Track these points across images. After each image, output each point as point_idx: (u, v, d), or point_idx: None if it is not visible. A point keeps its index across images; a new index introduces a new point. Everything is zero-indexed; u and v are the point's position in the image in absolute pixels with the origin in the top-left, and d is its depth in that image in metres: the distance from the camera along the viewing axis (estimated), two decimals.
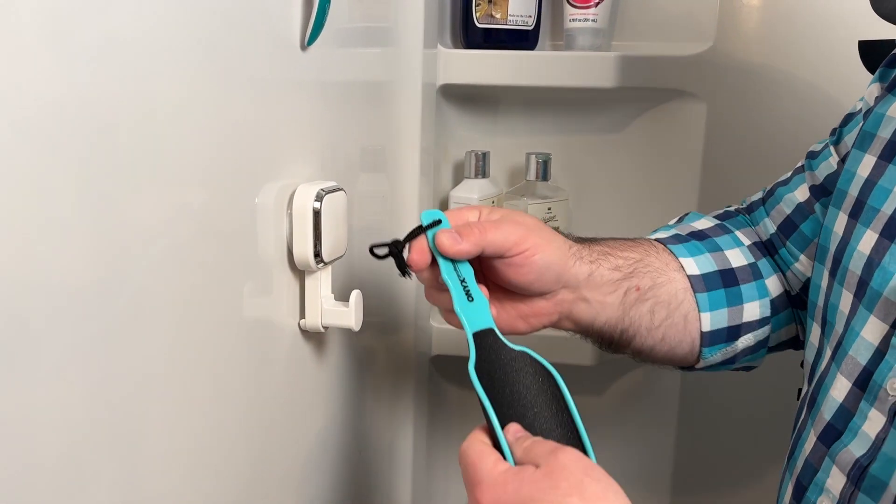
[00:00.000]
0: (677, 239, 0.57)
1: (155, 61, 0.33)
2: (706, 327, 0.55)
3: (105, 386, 0.32)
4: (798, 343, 0.59)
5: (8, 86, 0.25)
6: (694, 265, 0.55)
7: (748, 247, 0.58)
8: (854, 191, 0.48)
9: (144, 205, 0.33)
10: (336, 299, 0.50)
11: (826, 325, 0.49)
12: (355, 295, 0.49)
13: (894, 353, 0.41)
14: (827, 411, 0.46)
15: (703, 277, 0.55)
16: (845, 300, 0.47)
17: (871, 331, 0.43)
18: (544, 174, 0.79)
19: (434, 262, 0.48)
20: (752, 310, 0.56)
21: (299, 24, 0.45)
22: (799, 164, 0.59)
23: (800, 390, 0.54)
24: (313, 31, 0.45)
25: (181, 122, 0.36)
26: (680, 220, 0.61)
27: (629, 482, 0.96)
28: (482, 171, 0.80)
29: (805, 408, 0.49)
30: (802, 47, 0.74)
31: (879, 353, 0.43)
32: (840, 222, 0.49)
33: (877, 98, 0.52)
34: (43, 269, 0.28)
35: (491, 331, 0.46)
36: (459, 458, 0.42)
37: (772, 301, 0.57)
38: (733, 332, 0.56)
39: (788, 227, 0.56)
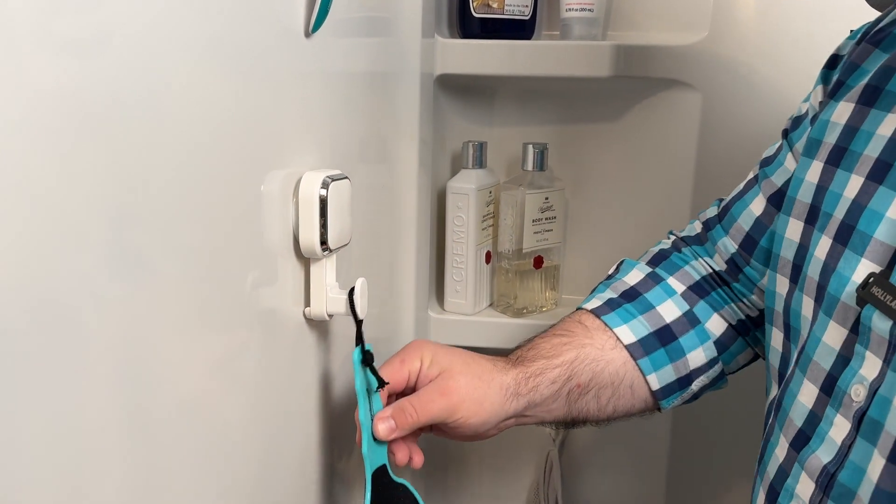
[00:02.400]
0: (610, 306, 0.59)
1: (161, 51, 0.33)
2: (655, 386, 0.57)
3: (115, 372, 0.32)
4: (759, 357, 0.61)
5: (9, 75, 0.25)
6: (628, 332, 0.57)
7: (681, 294, 0.59)
8: (806, 197, 0.49)
9: (150, 194, 0.33)
10: (341, 288, 0.50)
11: (791, 331, 0.49)
12: (361, 283, 0.49)
13: (858, 360, 0.41)
14: (797, 417, 0.46)
15: (641, 343, 0.57)
16: (807, 306, 0.47)
17: (832, 336, 0.44)
18: (541, 164, 0.79)
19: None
20: (697, 357, 0.58)
21: (303, 12, 0.45)
22: (751, 176, 0.59)
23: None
24: (318, 18, 0.45)
25: (187, 111, 0.36)
26: (617, 270, 0.62)
27: (625, 472, 0.97)
28: (479, 161, 0.80)
29: (773, 412, 0.50)
30: (795, 37, 0.75)
31: (843, 359, 0.43)
32: (794, 229, 0.49)
33: (821, 103, 0.52)
34: (48, 261, 0.28)
35: (383, 466, 0.52)
36: None
37: (715, 342, 0.58)
38: (684, 381, 0.58)
39: (749, 243, 0.57)
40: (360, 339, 0.50)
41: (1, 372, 0.26)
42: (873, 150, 0.44)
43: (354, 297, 0.48)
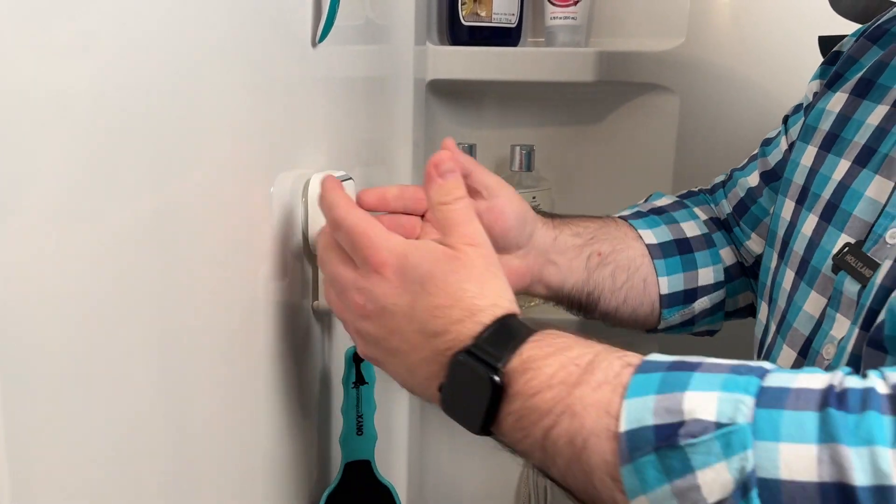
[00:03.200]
0: (637, 215, 0.63)
1: (179, 59, 0.35)
2: (664, 290, 0.60)
3: (135, 362, 0.34)
4: (754, 312, 0.65)
5: (28, 80, 0.26)
6: (651, 235, 0.61)
7: (704, 221, 0.63)
8: (799, 179, 0.53)
9: (168, 195, 0.35)
10: None
11: (771, 303, 0.54)
12: None
13: (829, 322, 0.45)
14: None
15: (660, 246, 0.60)
16: (788, 279, 0.51)
17: (812, 304, 0.48)
18: (528, 165, 0.83)
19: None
20: (707, 275, 0.61)
21: (310, 22, 0.48)
22: (755, 152, 0.64)
23: None
24: (325, 29, 0.48)
25: (200, 117, 0.38)
26: (646, 200, 0.67)
27: None
28: None
29: None
30: (768, 42, 0.79)
31: (818, 324, 0.47)
32: (787, 208, 0.54)
33: (816, 94, 0.56)
34: (71, 257, 0.29)
35: (367, 462, 0.54)
36: (337, 224, 0.43)
37: (725, 269, 0.62)
38: (690, 295, 0.61)
39: (741, 208, 0.62)
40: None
41: (48, 371, 0.28)
42: (862, 137, 0.49)
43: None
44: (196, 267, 0.38)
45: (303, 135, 0.50)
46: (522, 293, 0.60)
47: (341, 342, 0.58)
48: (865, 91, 0.51)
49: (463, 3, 0.80)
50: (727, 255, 0.63)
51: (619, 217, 0.63)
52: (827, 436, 0.30)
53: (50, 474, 0.27)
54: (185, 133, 0.36)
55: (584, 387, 0.35)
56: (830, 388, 0.32)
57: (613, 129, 0.87)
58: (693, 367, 0.34)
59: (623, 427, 0.33)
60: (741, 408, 0.31)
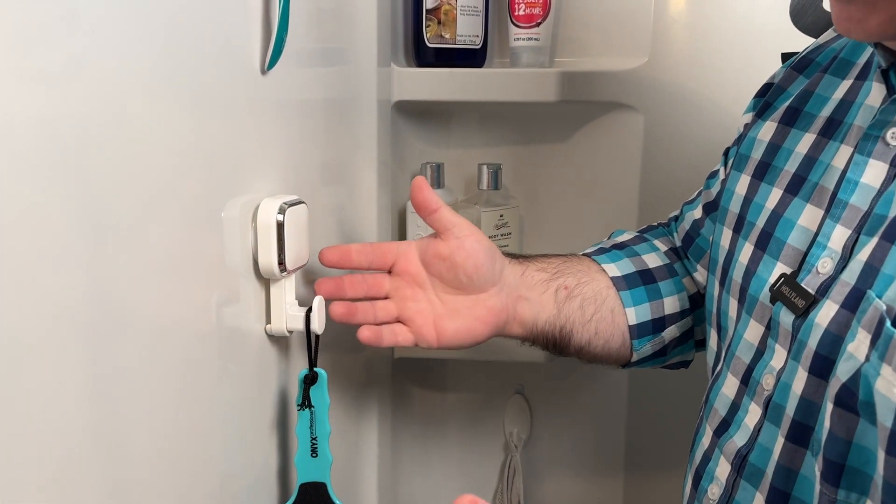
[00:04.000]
0: (600, 251, 0.64)
1: (126, 86, 0.36)
2: (632, 321, 0.61)
3: (89, 388, 0.35)
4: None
5: None
6: (615, 268, 0.62)
7: (665, 252, 0.65)
8: (735, 208, 0.54)
9: (119, 221, 0.36)
10: (300, 305, 0.53)
11: (721, 331, 0.54)
12: (318, 301, 0.53)
13: (769, 353, 0.46)
14: (721, 407, 0.50)
15: (624, 278, 0.62)
16: (732, 307, 0.52)
17: (752, 333, 0.49)
18: (495, 183, 0.84)
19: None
20: (672, 303, 0.62)
21: (259, 49, 0.49)
22: (702, 187, 0.66)
23: None
24: (272, 58, 0.49)
25: (149, 143, 0.39)
26: (609, 237, 0.69)
27: (585, 477, 1.00)
28: (437, 182, 0.84)
29: (703, 405, 0.54)
30: (730, 59, 0.81)
31: (759, 353, 0.48)
32: (725, 237, 0.55)
33: (747, 125, 0.58)
34: (27, 277, 0.31)
35: (323, 485, 0.55)
36: None
37: (690, 297, 0.63)
38: (658, 324, 0.62)
39: (687, 241, 0.64)
40: (311, 358, 0.53)
41: None
42: (791, 165, 0.50)
43: (312, 315, 0.52)
44: (146, 292, 0.39)
45: (254, 159, 0.51)
46: (499, 335, 0.61)
47: (298, 365, 0.59)
48: (793, 119, 0.52)
49: (427, 25, 0.81)
50: (689, 283, 0.64)
51: (582, 254, 0.64)
52: None
53: None
54: (129, 160, 0.37)
55: None
56: None
57: (580, 146, 0.88)
58: None
59: None
60: None
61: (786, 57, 0.85)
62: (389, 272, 0.59)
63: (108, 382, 0.36)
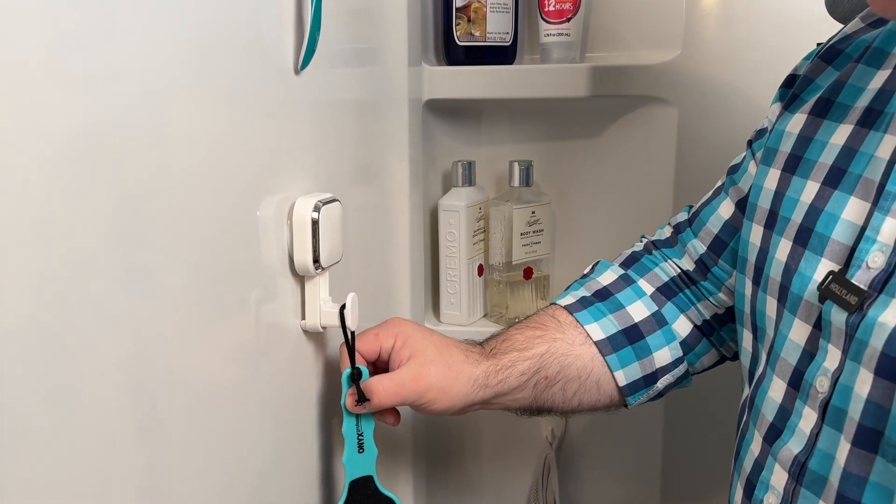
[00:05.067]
0: (582, 303, 0.62)
1: (160, 88, 0.37)
2: (622, 382, 0.60)
3: (128, 386, 0.36)
4: (726, 359, 0.64)
5: (21, 115, 0.28)
6: (598, 330, 0.60)
7: (651, 296, 0.62)
8: (765, 203, 0.52)
9: (155, 220, 0.37)
10: (334, 301, 0.54)
11: (757, 331, 0.52)
12: (351, 297, 0.54)
13: (822, 354, 0.44)
14: (768, 412, 0.49)
15: (609, 340, 0.60)
16: (771, 306, 0.50)
17: (798, 333, 0.47)
18: (527, 180, 0.84)
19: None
20: (663, 356, 0.61)
21: (292, 50, 0.50)
22: (718, 184, 0.63)
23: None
24: (305, 58, 0.50)
25: (185, 144, 0.40)
26: (592, 270, 0.66)
27: (622, 475, 0.99)
28: (468, 180, 0.84)
29: (746, 410, 0.53)
30: (765, 50, 0.79)
31: (808, 354, 0.46)
32: (756, 233, 0.53)
33: (777, 116, 0.56)
34: (68, 278, 0.31)
35: (370, 477, 0.56)
36: None
37: (681, 343, 0.61)
38: (650, 379, 0.61)
39: (718, 245, 0.60)
40: (351, 357, 0.54)
41: (19, 381, 0.30)
42: (827, 157, 0.48)
43: (346, 311, 0.52)
44: (186, 288, 0.40)
45: (288, 159, 0.52)
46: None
47: (332, 360, 0.59)
48: (825, 111, 0.50)
49: (457, 24, 0.81)
50: (682, 326, 0.61)
51: (564, 306, 0.62)
52: None
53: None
54: (167, 162, 0.38)
55: None
56: None
57: (612, 142, 0.87)
58: None
59: None
60: None
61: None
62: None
63: (146, 380, 0.37)
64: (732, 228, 0.59)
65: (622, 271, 0.64)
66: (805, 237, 0.47)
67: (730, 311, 0.61)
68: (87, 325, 0.33)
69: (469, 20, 0.81)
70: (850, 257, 0.44)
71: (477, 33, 0.81)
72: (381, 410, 0.57)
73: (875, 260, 0.42)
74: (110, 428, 0.35)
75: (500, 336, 0.61)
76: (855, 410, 0.41)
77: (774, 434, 0.48)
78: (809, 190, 0.48)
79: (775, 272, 0.49)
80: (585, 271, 0.66)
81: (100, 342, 0.34)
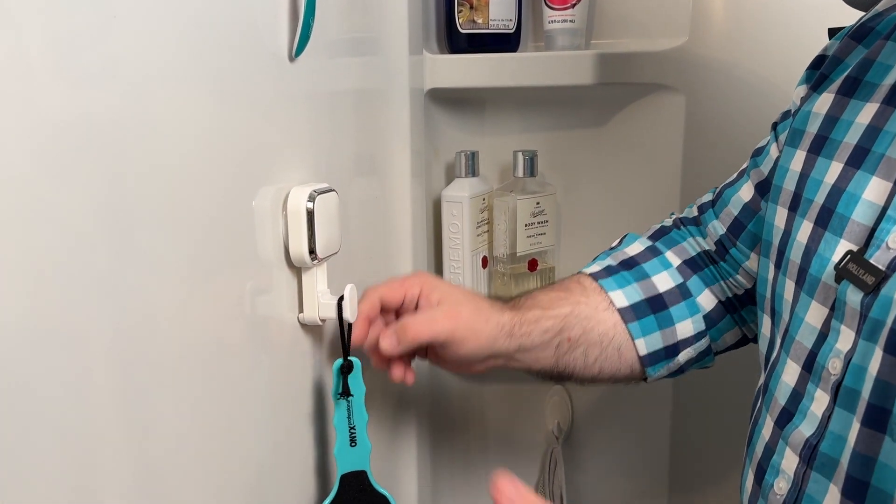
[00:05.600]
0: (608, 272, 0.62)
1: (155, 80, 0.36)
2: (643, 351, 0.59)
3: (120, 380, 0.35)
4: (748, 340, 0.63)
5: (17, 107, 0.28)
6: (622, 297, 0.60)
7: (677, 268, 0.61)
8: (790, 185, 0.51)
9: (151, 213, 0.37)
10: (332, 294, 0.53)
11: (775, 315, 0.52)
12: (349, 288, 0.53)
13: (834, 335, 0.43)
14: (781, 396, 0.48)
15: (633, 308, 0.59)
16: (789, 289, 0.49)
17: (814, 315, 0.46)
18: (531, 170, 0.82)
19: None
20: (685, 328, 0.60)
21: (286, 37, 0.49)
22: (744, 166, 0.62)
23: None
24: (299, 44, 0.49)
25: (178, 133, 0.39)
26: (620, 242, 0.65)
27: (629, 469, 0.98)
28: (472, 170, 0.83)
29: (760, 395, 0.52)
30: (773, 36, 0.77)
31: (823, 336, 0.45)
32: (780, 216, 0.52)
33: (802, 98, 0.55)
34: (64, 266, 0.31)
35: (363, 472, 0.56)
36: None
37: (705, 316, 0.60)
38: (671, 350, 0.60)
39: (737, 227, 0.60)
40: (345, 347, 0.53)
41: (9, 375, 0.29)
42: (852, 137, 0.47)
43: (343, 303, 0.52)
44: (178, 282, 0.39)
45: (285, 149, 0.51)
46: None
47: (331, 354, 0.59)
48: (852, 90, 0.49)
49: (459, 11, 0.80)
50: (706, 300, 0.61)
51: (590, 273, 0.62)
52: None
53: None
54: (162, 151, 0.37)
55: None
56: None
57: (618, 131, 0.86)
58: None
59: None
60: None
61: (832, 32, 0.81)
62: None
63: (139, 374, 0.36)
64: (751, 211, 0.59)
65: (650, 243, 0.63)
66: (826, 218, 0.46)
67: (749, 293, 0.60)
68: (79, 317, 0.32)
69: (471, 7, 0.80)
70: (870, 237, 0.43)
71: (480, 20, 0.80)
72: (399, 366, 0.57)
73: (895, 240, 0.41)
74: (102, 421, 0.34)
75: (525, 295, 0.61)
76: (866, 389, 0.40)
77: (786, 418, 0.47)
78: (833, 170, 0.47)
79: (795, 254, 0.48)
80: (613, 244, 0.66)
81: (92, 334, 0.33)
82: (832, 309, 0.44)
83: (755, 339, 0.62)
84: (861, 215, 0.44)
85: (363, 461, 0.55)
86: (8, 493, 0.29)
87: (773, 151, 0.57)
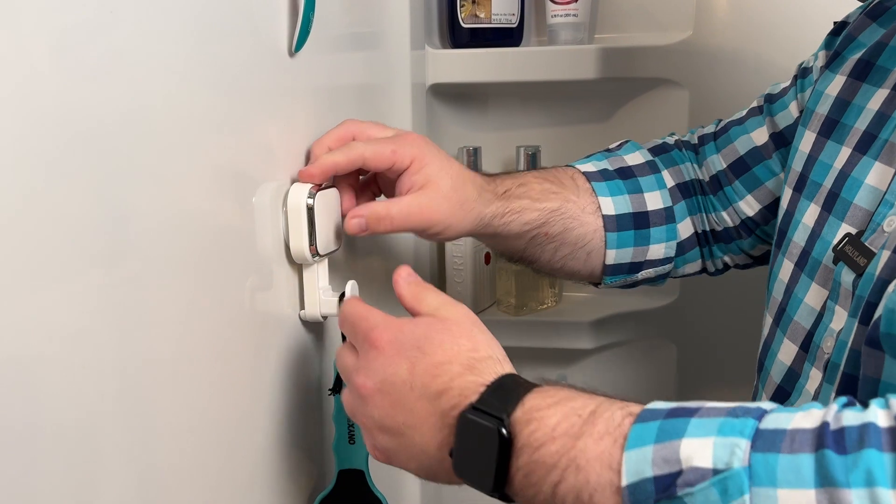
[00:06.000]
0: (603, 175, 0.60)
1: (155, 75, 0.36)
2: (609, 261, 0.60)
3: (120, 376, 0.35)
4: (705, 272, 0.64)
5: (19, 101, 0.28)
6: (611, 205, 0.59)
7: (670, 189, 0.61)
8: (797, 166, 0.51)
9: (151, 209, 0.36)
10: (334, 291, 0.53)
11: (766, 294, 0.52)
12: (351, 285, 0.52)
13: (829, 315, 0.44)
14: (776, 374, 0.48)
15: (617, 218, 0.59)
16: (786, 270, 0.49)
17: (813, 297, 0.46)
18: (534, 166, 0.82)
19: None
20: (657, 250, 0.60)
21: (286, 32, 0.49)
22: (754, 105, 0.61)
23: None
24: (299, 39, 0.48)
25: (180, 130, 0.39)
26: (620, 147, 0.64)
27: None
28: (475, 166, 0.83)
29: (756, 373, 0.52)
30: (777, 29, 0.77)
31: (819, 317, 0.45)
32: (785, 196, 0.52)
33: (821, 68, 0.54)
34: (61, 267, 0.31)
35: (361, 472, 0.54)
36: (343, 319, 0.44)
37: (679, 244, 0.61)
38: (635, 267, 0.61)
39: (740, 166, 0.59)
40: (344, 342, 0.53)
41: (11, 374, 0.29)
42: (862, 122, 0.47)
43: (345, 300, 0.51)
44: (178, 279, 0.39)
45: (286, 144, 0.51)
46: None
47: (333, 351, 0.58)
48: (864, 74, 0.49)
49: (462, 5, 0.79)
50: (684, 228, 0.61)
51: (584, 172, 0.60)
52: (824, 479, 0.29)
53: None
54: (162, 148, 0.37)
55: (587, 438, 0.34)
56: (825, 426, 0.31)
57: (622, 125, 0.85)
58: (691, 413, 0.33)
59: (624, 481, 0.32)
60: (737, 451, 0.31)
61: (838, 25, 0.80)
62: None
63: (139, 370, 0.36)
64: (760, 156, 0.58)
65: (650, 157, 0.62)
66: (831, 202, 0.46)
67: (727, 231, 0.61)
68: (79, 314, 0.32)
69: (474, 2, 0.79)
70: (870, 222, 0.43)
71: (482, 15, 0.79)
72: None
73: (891, 223, 0.41)
74: (104, 416, 0.34)
75: (518, 179, 0.58)
76: (844, 361, 0.41)
77: (782, 396, 0.48)
78: (842, 156, 0.47)
79: (799, 237, 0.49)
80: (612, 146, 0.64)
81: (93, 331, 0.33)
82: (831, 291, 0.45)
83: (714, 273, 0.64)
84: (863, 200, 0.44)
85: (361, 460, 0.55)
86: (12, 492, 0.29)
87: (794, 110, 0.57)
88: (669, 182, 0.61)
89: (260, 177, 0.47)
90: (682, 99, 0.80)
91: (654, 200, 0.60)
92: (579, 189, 0.59)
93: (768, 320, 0.51)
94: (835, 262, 0.44)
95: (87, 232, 0.32)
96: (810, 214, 0.48)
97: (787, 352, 0.48)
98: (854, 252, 0.42)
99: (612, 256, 0.59)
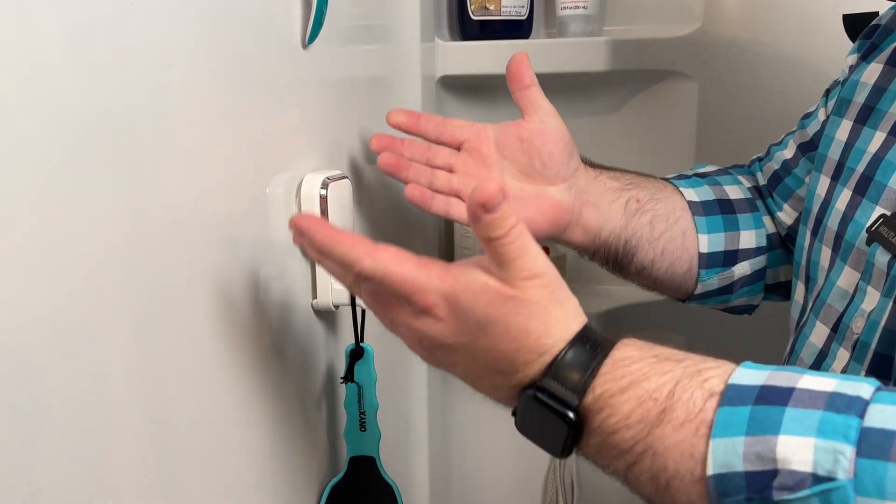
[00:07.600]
0: (679, 177, 0.62)
1: (170, 68, 0.37)
2: (703, 248, 0.58)
3: (136, 366, 0.36)
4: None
5: (32, 97, 0.29)
6: (693, 193, 0.59)
7: (748, 188, 0.62)
8: (834, 154, 0.51)
9: (166, 200, 0.37)
10: None
11: (809, 281, 0.52)
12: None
13: (861, 296, 0.44)
14: (807, 356, 0.49)
15: (702, 204, 0.59)
16: (825, 255, 0.50)
17: (846, 280, 0.46)
18: None
19: None
20: (749, 238, 0.59)
21: (300, 25, 0.49)
22: (794, 129, 0.62)
23: None
24: (312, 31, 0.49)
25: (195, 122, 0.39)
26: (690, 170, 0.66)
27: None
28: None
29: (786, 359, 0.53)
30: (787, 23, 0.77)
31: (851, 298, 0.46)
32: (822, 185, 0.52)
33: (851, 67, 0.54)
34: (82, 255, 0.32)
35: (372, 459, 0.55)
36: (379, 286, 0.38)
37: (768, 235, 0.60)
38: (730, 257, 0.59)
39: (775, 180, 0.61)
40: (357, 333, 0.53)
41: (28, 376, 0.30)
42: None
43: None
44: (193, 269, 0.40)
45: (299, 136, 0.51)
46: (561, 241, 0.59)
47: (345, 340, 0.59)
48: None
49: None
50: (768, 222, 0.61)
51: (661, 178, 0.62)
52: None
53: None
54: (174, 140, 0.37)
55: (665, 426, 0.33)
56: None
57: (631, 117, 0.85)
58: (785, 398, 0.31)
59: (710, 470, 0.31)
60: (841, 460, 0.29)
61: (847, 19, 0.80)
62: (459, 150, 0.57)
63: (154, 359, 0.37)
64: (789, 167, 0.60)
65: (722, 167, 0.65)
66: (865, 186, 0.47)
67: (782, 240, 0.61)
68: (95, 306, 0.32)
69: None
70: None
71: (492, 7, 0.80)
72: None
73: None
74: (114, 406, 0.34)
75: (595, 168, 0.60)
76: (875, 340, 0.41)
77: None
78: (877, 140, 0.47)
79: (833, 221, 0.49)
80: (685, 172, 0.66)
81: (109, 323, 0.33)
82: (863, 272, 0.45)
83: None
84: None
85: (372, 447, 0.56)
86: (29, 486, 0.29)
87: (821, 115, 0.58)
88: (746, 183, 0.63)
89: (274, 167, 0.48)
90: (691, 91, 0.80)
91: (735, 192, 0.61)
92: (656, 181, 0.61)
93: (808, 307, 0.51)
94: (868, 243, 0.44)
95: (103, 223, 0.33)
96: (843, 199, 0.48)
97: (818, 334, 0.48)
98: (889, 233, 0.42)
99: (706, 243, 0.58)
